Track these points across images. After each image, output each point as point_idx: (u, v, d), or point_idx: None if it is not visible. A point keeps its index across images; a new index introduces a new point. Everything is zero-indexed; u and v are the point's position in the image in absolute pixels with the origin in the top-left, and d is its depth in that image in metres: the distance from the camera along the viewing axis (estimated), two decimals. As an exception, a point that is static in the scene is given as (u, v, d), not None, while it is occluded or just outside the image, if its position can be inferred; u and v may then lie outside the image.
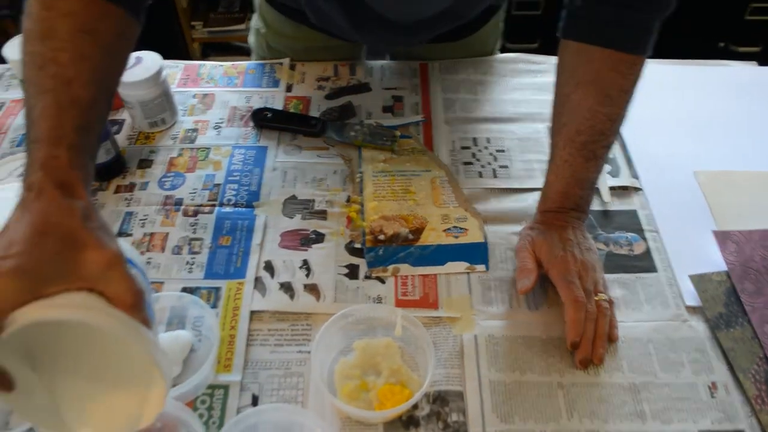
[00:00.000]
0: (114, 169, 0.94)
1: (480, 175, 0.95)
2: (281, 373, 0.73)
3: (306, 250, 0.85)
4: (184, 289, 0.80)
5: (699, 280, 0.80)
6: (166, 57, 1.00)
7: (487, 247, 0.85)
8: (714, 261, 0.83)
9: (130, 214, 0.89)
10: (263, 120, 1.01)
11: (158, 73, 0.95)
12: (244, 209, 0.90)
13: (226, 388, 0.71)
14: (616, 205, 0.91)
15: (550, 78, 1.07)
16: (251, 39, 1.21)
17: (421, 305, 0.79)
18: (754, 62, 1.17)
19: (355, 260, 0.84)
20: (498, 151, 0.99)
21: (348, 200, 0.91)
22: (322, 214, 0.89)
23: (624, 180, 0.94)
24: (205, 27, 2.55)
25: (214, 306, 0.78)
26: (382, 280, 0.82)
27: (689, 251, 0.85)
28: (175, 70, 1.13)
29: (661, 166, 0.96)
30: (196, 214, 0.89)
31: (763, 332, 0.75)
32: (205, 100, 1.07)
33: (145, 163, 0.96)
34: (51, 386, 0.54)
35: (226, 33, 2.58)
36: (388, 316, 0.73)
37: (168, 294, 0.77)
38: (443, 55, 1.15)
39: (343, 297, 0.80)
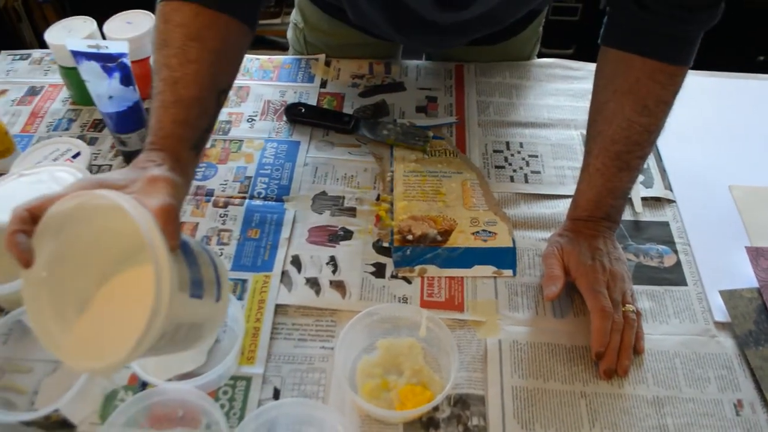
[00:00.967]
0: (147, 157, 0.95)
1: (511, 179, 0.95)
2: (304, 367, 0.73)
3: (334, 246, 0.85)
4: (212, 280, 0.80)
5: (729, 296, 0.79)
6: (203, 48, 1.01)
7: (515, 252, 0.85)
8: (746, 277, 0.82)
9: (161, 202, 0.89)
10: (297, 115, 1.02)
11: (195, 63, 0.96)
12: (273, 203, 0.90)
13: (248, 380, 0.72)
14: (648, 216, 0.90)
15: (586, 84, 1.07)
16: (289, 33, 1.22)
17: (446, 307, 0.79)
18: (795, 77, 1.15)
19: (383, 259, 0.84)
20: (530, 156, 0.98)
21: (378, 199, 0.91)
22: (352, 212, 0.89)
23: (657, 191, 0.93)
24: (241, 20, 2.56)
25: (240, 298, 0.79)
26: (408, 281, 0.82)
27: (720, 266, 0.83)
28: (211, 61, 1.14)
29: (696, 178, 0.95)
30: (226, 205, 0.90)
31: (793, 352, 0.74)
32: (240, 92, 1.08)
33: (178, 153, 0.97)
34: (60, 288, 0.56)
35: (261, 27, 2.58)
36: (413, 316, 0.73)
37: (195, 283, 0.78)
38: (481, 58, 1.14)
39: (369, 295, 0.80)
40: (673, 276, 0.83)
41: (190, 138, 0.68)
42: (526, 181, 0.94)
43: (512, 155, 0.98)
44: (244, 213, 0.89)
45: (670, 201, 0.92)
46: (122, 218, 0.51)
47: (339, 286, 0.81)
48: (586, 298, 0.76)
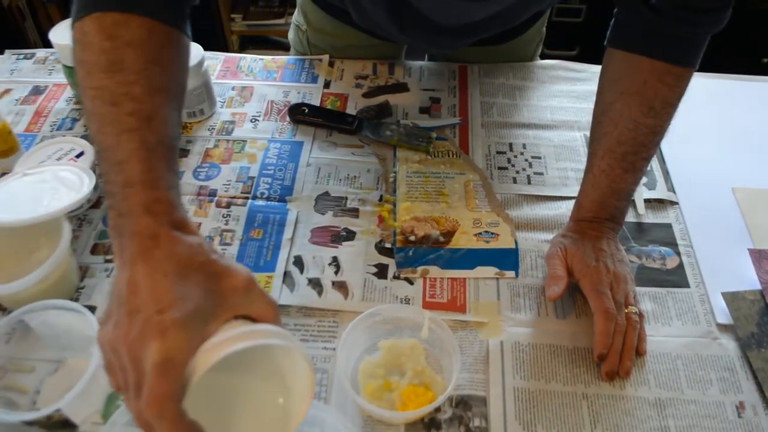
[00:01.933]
0: (151, 157, 0.95)
1: (514, 180, 0.95)
2: (306, 368, 0.73)
3: (336, 247, 0.85)
4: (214, 280, 0.80)
5: (732, 298, 0.79)
6: (204, 48, 1.01)
7: (517, 253, 0.85)
8: (748, 279, 0.81)
9: (164, 202, 0.90)
10: (300, 115, 1.02)
11: (199, 64, 0.96)
12: (276, 203, 0.90)
13: (250, 379, 0.72)
14: (650, 217, 0.90)
15: (589, 86, 1.07)
16: (291, 35, 1.22)
17: (448, 308, 0.79)
18: (799, 79, 1.15)
19: (385, 260, 0.84)
20: (533, 157, 0.98)
21: (380, 199, 0.91)
22: (354, 212, 0.89)
23: (660, 193, 0.93)
24: (244, 20, 2.58)
25: (242, 297, 0.79)
26: (410, 281, 0.82)
27: (723, 268, 0.83)
28: (215, 61, 1.15)
29: (699, 180, 0.95)
30: (229, 205, 0.90)
31: (795, 355, 0.73)
32: (244, 92, 1.08)
33: (181, 153, 0.97)
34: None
35: (264, 27, 2.59)
36: (415, 317, 0.73)
37: (198, 283, 0.78)
38: (484, 58, 1.14)
39: (371, 296, 0.80)
40: (676, 278, 0.83)
41: (178, 184, 0.60)
42: (529, 183, 0.94)
43: (515, 156, 0.98)
44: (246, 213, 0.89)
45: (673, 203, 0.92)
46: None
47: (341, 286, 0.81)
48: (589, 299, 0.76)
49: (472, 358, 0.74)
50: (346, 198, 0.91)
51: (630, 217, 0.89)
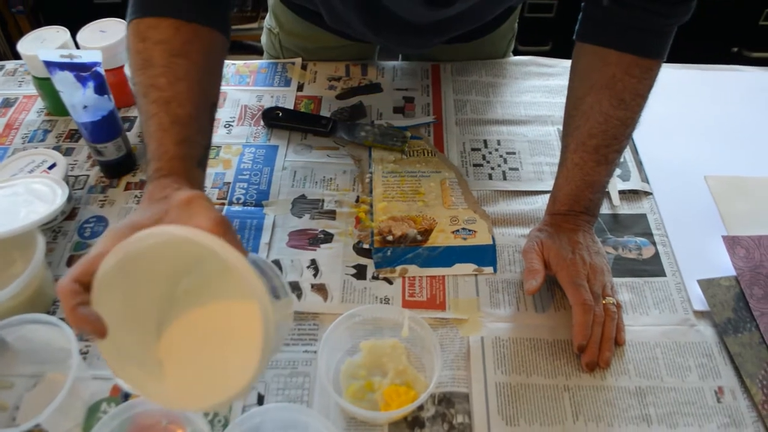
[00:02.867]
0: (124, 166, 0.94)
1: (490, 177, 0.95)
2: (287, 372, 0.73)
3: (314, 249, 0.85)
4: (193, 287, 0.80)
5: (707, 285, 0.80)
6: (178, 55, 1.00)
7: (495, 249, 0.85)
8: (723, 266, 0.82)
9: (140, 211, 0.89)
10: (274, 119, 1.02)
11: (170, 71, 0.96)
12: (253, 208, 0.90)
13: (232, 385, 0.72)
14: (625, 208, 0.91)
15: (561, 81, 1.08)
16: (263, 38, 1.21)
17: (428, 306, 0.79)
18: (767, 68, 1.16)
19: (363, 261, 0.84)
20: (508, 153, 0.99)
21: (357, 200, 0.91)
22: (331, 214, 0.89)
23: (634, 184, 0.94)
24: (217, 26, 2.56)
25: (221, 304, 0.79)
26: (389, 281, 0.82)
27: (698, 256, 0.84)
28: (187, 68, 1.14)
29: (672, 170, 0.96)
30: (205, 212, 0.89)
31: (771, 339, 0.74)
32: (217, 98, 1.08)
33: (156, 161, 0.97)
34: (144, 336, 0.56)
35: (238, 32, 2.58)
36: (395, 316, 0.73)
37: (176, 291, 0.77)
38: (457, 56, 1.15)
39: (351, 297, 0.80)
40: (652, 267, 0.84)
41: (195, 156, 0.67)
42: (505, 179, 0.95)
43: (490, 153, 0.99)
44: (223, 219, 0.88)
45: (647, 193, 0.93)
46: (173, 254, 0.52)
47: (320, 289, 0.81)
48: (567, 291, 0.76)
49: (453, 355, 0.74)
50: (323, 200, 0.91)
51: (605, 209, 0.90)
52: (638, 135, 0.99)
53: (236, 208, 0.90)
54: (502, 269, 0.83)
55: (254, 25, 2.54)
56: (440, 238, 0.86)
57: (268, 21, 1.18)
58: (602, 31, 0.77)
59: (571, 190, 0.81)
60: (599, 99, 0.78)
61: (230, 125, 1.03)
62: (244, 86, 1.10)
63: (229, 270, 0.51)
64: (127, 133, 0.97)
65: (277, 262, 0.83)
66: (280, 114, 1.02)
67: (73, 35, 1.00)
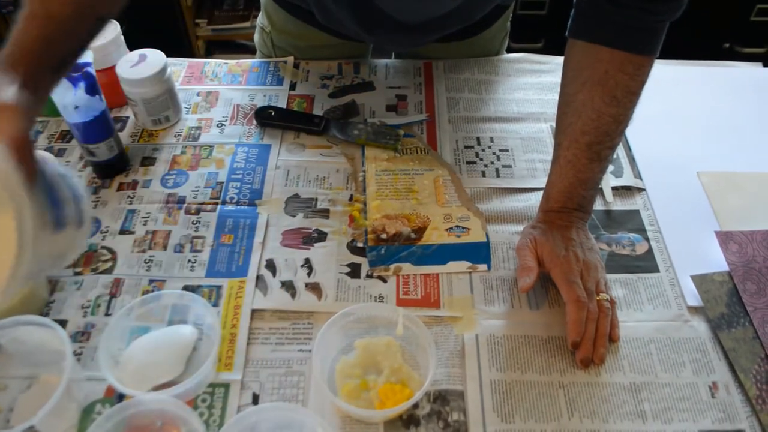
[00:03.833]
0: (117, 167, 0.94)
1: (483, 174, 0.95)
2: (282, 371, 0.73)
3: (308, 248, 0.85)
4: (186, 288, 0.80)
5: (701, 281, 0.80)
6: (170, 54, 1.00)
7: (489, 246, 0.85)
8: (716, 261, 0.83)
9: (132, 212, 0.89)
10: (267, 118, 1.01)
11: (162, 70, 0.96)
12: (246, 207, 0.90)
13: (226, 386, 0.72)
14: (618, 205, 0.91)
15: (553, 78, 1.08)
16: (256, 37, 1.21)
17: (422, 304, 0.79)
18: (759, 63, 1.17)
19: (357, 259, 0.84)
20: (501, 150, 0.99)
21: (351, 199, 0.91)
22: (325, 213, 0.89)
23: (627, 180, 0.94)
24: (209, 25, 2.56)
25: (215, 304, 0.79)
26: (383, 279, 0.82)
27: (691, 252, 0.85)
28: (179, 67, 1.14)
29: (665, 166, 0.96)
30: (198, 212, 0.89)
31: (764, 332, 0.75)
32: (209, 98, 1.08)
33: (148, 161, 0.96)
34: None
35: (230, 31, 2.58)
36: (390, 315, 0.73)
37: (169, 292, 0.77)
38: (449, 55, 1.15)
39: (345, 296, 0.80)
40: (646, 263, 0.84)
41: (53, 58, 0.63)
42: (498, 176, 0.95)
43: (483, 150, 0.99)
44: (216, 219, 0.88)
45: (640, 189, 0.93)
46: None
47: (315, 288, 0.81)
48: (560, 288, 0.76)
49: (448, 352, 0.74)
50: (316, 199, 0.91)
51: (598, 205, 0.90)
52: (630, 131, 0.99)
53: (229, 207, 0.90)
54: (496, 266, 0.83)
55: (246, 24, 2.54)
56: (434, 236, 0.86)
57: (261, 20, 1.18)
58: (594, 27, 0.78)
59: (564, 187, 0.81)
60: (591, 96, 0.78)
61: (223, 125, 1.03)
62: (236, 85, 1.10)
63: None
64: (120, 134, 0.97)
65: (271, 262, 0.83)
66: (273, 113, 1.02)
67: (64, 35, 1.00)
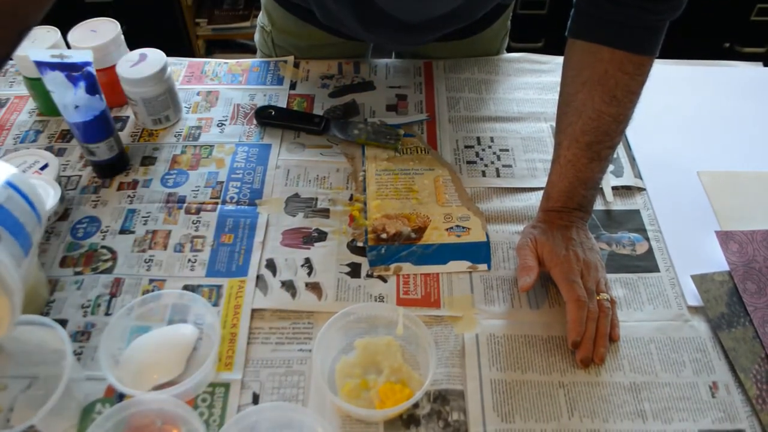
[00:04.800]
0: (117, 166, 0.94)
1: (483, 174, 0.95)
2: (282, 371, 0.73)
3: (308, 248, 0.85)
4: (186, 287, 0.80)
5: (701, 280, 0.80)
6: (170, 54, 1.00)
7: (489, 246, 0.85)
8: (716, 261, 0.83)
9: (132, 211, 0.89)
10: (267, 118, 1.01)
11: (162, 70, 0.96)
12: (246, 207, 0.90)
13: (226, 386, 0.72)
14: (619, 204, 0.91)
15: (554, 77, 1.08)
16: (256, 36, 1.21)
17: (422, 304, 0.79)
18: (760, 63, 1.17)
19: (357, 259, 0.84)
20: (501, 150, 0.99)
21: (351, 199, 0.91)
22: (325, 213, 0.89)
23: (627, 180, 0.94)
24: (209, 24, 2.56)
25: (215, 304, 0.79)
26: (383, 279, 0.82)
27: (692, 251, 0.85)
28: (179, 67, 1.14)
29: (665, 166, 0.96)
30: (198, 211, 0.89)
31: (764, 332, 0.75)
32: (209, 97, 1.08)
33: (148, 161, 0.96)
34: None
35: (230, 30, 2.58)
36: (390, 314, 0.73)
37: (169, 292, 0.77)
38: (450, 54, 1.15)
39: (345, 296, 0.80)
40: (646, 263, 0.84)
41: None
42: (498, 175, 0.95)
43: (483, 150, 0.99)
44: (216, 218, 0.88)
45: (641, 189, 0.93)
46: None
47: (315, 287, 0.81)
48: (561, 288, 0.76)
49: (448, 352, 0.74)
50: (317, 199, 0.91)
51: (598, 205, 0.90)
52: (631, 131, 0.99)
53: (229, 207, 0.90)
54: (497, 266, 0.83)
55: (246, 24, 2.54)
56: (434, 236, 0.86)
57: (261, 19, 1.18)
58: (594, 27, 0.77)
59: (565, 186, 0.81)
60: (591, 95, 0.78)
61: (223, 124, 1.02)
62: (236, 85, 1.10)
63: None
64: (120, 133, 0.97)
65: (271, 261, 0.83)
66: (273, 113, 1.02)
67: (64, 35, 1.00)
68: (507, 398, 0.71)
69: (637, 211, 0.90)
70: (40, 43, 0.97)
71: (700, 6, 2.08)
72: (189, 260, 0.83)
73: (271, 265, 0.83)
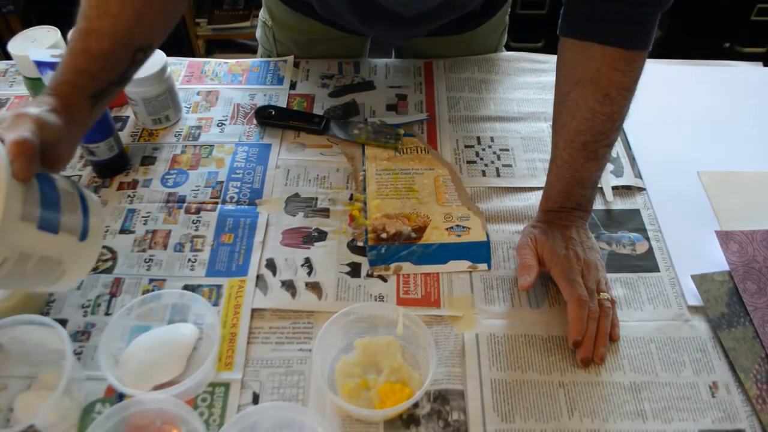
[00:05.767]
0: (117, 166, 0.94)
1: (483, 173, 0.95)
2: (282, 371, 0.73)
3: (308, 248, 0.85)
4: (186, 287, 0.80)
5: (701, 280, 0.80)
6: (170, 54, 1.00)
7: (489, 245, 0.85)
8: (716, 261, 0.83)
9: (132, 211, 0.89)
10: (267, 117, 1.01)
11: (162, 70, 0.95)
12: (246, 207, 0.90)
13: (226, 386, 0.72)
14: (619, 204, 0.91)
15: (553, 77, 1.08)
16: (258, 32, 1.21)
17: (422, 304, 0.79)
18: (760, 63, 1.17)
19: (357, 258, 0.84)
20: (501, 149, 0.99)
21: (351, 198, 0.91)
22: (325, 212, 0.89)
23: (627, 179, 0.94)
24: (209, 24, 2.56)
25: (215, 304, 0.79)
26: (384, 279, 0.82)
27: (692, 251, 0.85)
28: (179, 67, 1.14)
29: (665, 166, 0.96)
30: (198, 211, 0.89)
31: (764, 332, 0.75)
32: (209, 97, 1.08)
33: (148, 160, 0.96)
34: None
35: (230, 30, 2.58)
36: (390, 314, 0.73)
37: (169, 291, 0.77)
38: (448, 50, 1.14)
39: (345, 295, 0.80)
40: (646, 263, 0.84)
41: (90, 87, 0.69)
42: (498, 175, 0.95)
43: (483, 150, 0.99)
44: (216, 218, 0.88)
45: (641, 189, 0.93)
46: None
47: (315, 287, 0.81)
48: (561, 287, 0.76)
49: (448, 352, 0.74)
50: (317, 198, 0.91)
51: (599, 205, 0.90)
52: (631, 130, 1.00)
53: (229, 206, 0.90)
54: (497, 266, 0.83)
55: (246, 24, 2.54)
56: (434, 236, 0.86)
57: (263, 14, 1.18)
58: (584, 24, 0.77)
59: (563, 187, 0.81)
60: (584, 95, 0.77)
61: (223, 124, 1.03)
62: (236, 85, 1.10)
63: None
64: (120, 133, 0.97)
65: (271, 261, 0.83)
66: (273, 112, 1.02)
67: (64, 35, 0.99)
68: (507, 398, 0.71)
69: (637, 211, 0.90)
70: (41, 43, 0.97)
71: (700, 6, 2.08)
72: (189, 260, 0.83)
73: (271, 265, 0.83)
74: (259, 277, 0.81)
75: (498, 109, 1.06)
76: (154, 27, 0.75)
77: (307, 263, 0.83)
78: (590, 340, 0.73)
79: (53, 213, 0.59)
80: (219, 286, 0.80)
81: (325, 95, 1.08)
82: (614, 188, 0.92)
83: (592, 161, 0.79)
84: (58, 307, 0.78)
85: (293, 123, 1.01)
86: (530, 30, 2.28)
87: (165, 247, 0.85)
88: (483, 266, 0.83)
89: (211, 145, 0.99)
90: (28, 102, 0.65)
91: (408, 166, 0.96)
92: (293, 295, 0.80)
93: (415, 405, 0.70)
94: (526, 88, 1.10)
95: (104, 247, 0.84)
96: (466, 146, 0.99)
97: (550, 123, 1.00)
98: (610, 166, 0.95)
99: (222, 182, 0.93)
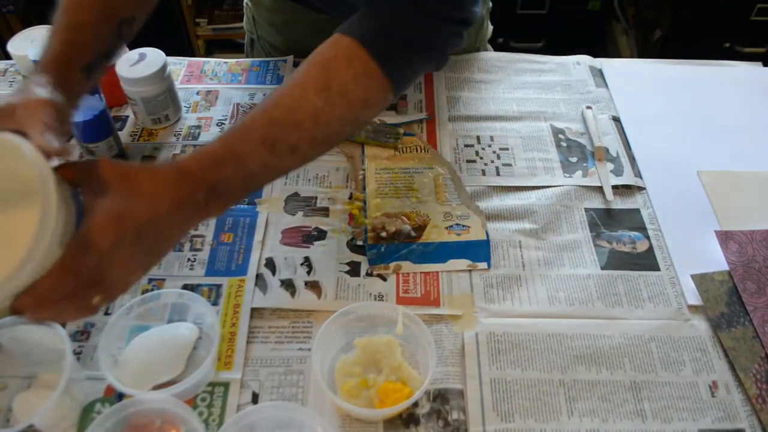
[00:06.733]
0: (117, 166, 0.94)
1: (483, 173, 0.95)
2: (282, 370, 0.73)
3: (308, 247, 0.85)
4: (185, 287, 0.80)
5: (701, 280, 0.80)
6: (170, 53, 1.00)
7: (489, 244, 0.85)
8: (716, 260, 0.83)
9: (132, 210, 0.89)
10: (266, 117, 1.01)
11: (162, 69, 0.95)
12: (245, 206, 0.90)
13: (226, 385, 0.71)
14: (619, 203, 0.91)
15: (553, 77, 1.08)
16: (244, 18, 1.22)
17: (422, 303, 0.79)
18: (760, 63, 1.16)
19: (357, 257, 0.84)
20: (501, 149, 0.99)
21: (350, 197, 0.91)
22: (324, 211, 0.89)
23: (627, 179, 0.94)
24: (209, 24, 2.56)
25: (214, 303, 0.79)
26: (383, 278, 0.82)
27: (692, 250, 0.84)
28: (179, 66, 1.14)
29: (665, 165, 0.96)
30: (198, 210, 0.89)
31: (764, 332, 0.75)
32: (209, 96, 1.08)
33: (148, 160, 0.96)
34: None
35: (230, 30, 2.58)
36: (389, 313, 0.73)
37: (169, 291, 0.77)
38: None
39: (345, 294, 0.80)
40: (646, 261, 0.84)
41: (79, 59, 0.69)
42: (498, 174, 0.95)
43: (483, 149, 0.99)
44: (216, 218, 0.88)
45: (641, 188, 0.93)
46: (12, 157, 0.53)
47: (314, 286, 0.81)
48: None
49: (447, 351, 0.74)
50: (316, 197, 0.91)
51: (599, 204, 0.90)
52: (631, 130, 0.99)
53: (229, 206, 0.89)
54: (496, 264, 0.83)
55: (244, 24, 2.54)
56: (434, 234, 0.86)
57: None
58: (352, 20, 0.71)
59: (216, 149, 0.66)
60: (308, 71, 0.68)
61: (222, 124, 1.02)
62: (236, 84, 1.10)
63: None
64: (119, 133, 0.97)
65: (270, 260, 0.83)
66: (273, 112, 1.02)
67: (64, 34, 0.99)
68: (506, 397, 0.71)
69: (637, 210, 0.90)
70: (40, 43, 0.96)
71: (700, 6, 2.08)
72: (188, 259, 0.83)
73: (270, 264, 0.83)
74: (259, 277, 0.81)
75: (497, 108, 1.06)
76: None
77: (307, 262, 0.83)
78: None
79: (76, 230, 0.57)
80: (218, 286, 0.80)
81: (324, 95, 1.08)
82: (614, 187, 0.92)
83: (265, 148, 0.66)
84: (58, 307, 0.78)
85: (293, 122, 1.01)
86: (530, 30, 2.27)
87: (164, 246, 0.85)
88: (483, 265, 0.83)
89: (210, 145, 0.99)
90: (28, 81, 0.64)
91: (408, 165, 0.96)
92: (293, 294, 0.80)
93: (415, 404, 0.70)
94: (526, 88, 1.10)
95: (104, 246, 0.84)
96: (466, 145, 0.99)
97: (550, 123, 1.01)
98: (610, 166, 0.95)
99: (221, 182, 0.93)
